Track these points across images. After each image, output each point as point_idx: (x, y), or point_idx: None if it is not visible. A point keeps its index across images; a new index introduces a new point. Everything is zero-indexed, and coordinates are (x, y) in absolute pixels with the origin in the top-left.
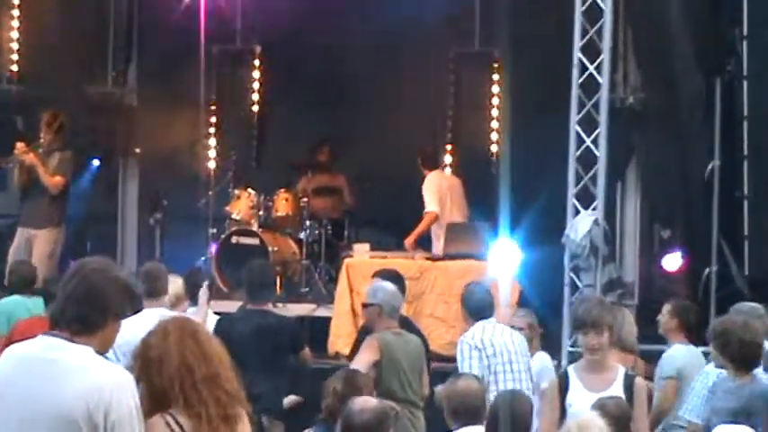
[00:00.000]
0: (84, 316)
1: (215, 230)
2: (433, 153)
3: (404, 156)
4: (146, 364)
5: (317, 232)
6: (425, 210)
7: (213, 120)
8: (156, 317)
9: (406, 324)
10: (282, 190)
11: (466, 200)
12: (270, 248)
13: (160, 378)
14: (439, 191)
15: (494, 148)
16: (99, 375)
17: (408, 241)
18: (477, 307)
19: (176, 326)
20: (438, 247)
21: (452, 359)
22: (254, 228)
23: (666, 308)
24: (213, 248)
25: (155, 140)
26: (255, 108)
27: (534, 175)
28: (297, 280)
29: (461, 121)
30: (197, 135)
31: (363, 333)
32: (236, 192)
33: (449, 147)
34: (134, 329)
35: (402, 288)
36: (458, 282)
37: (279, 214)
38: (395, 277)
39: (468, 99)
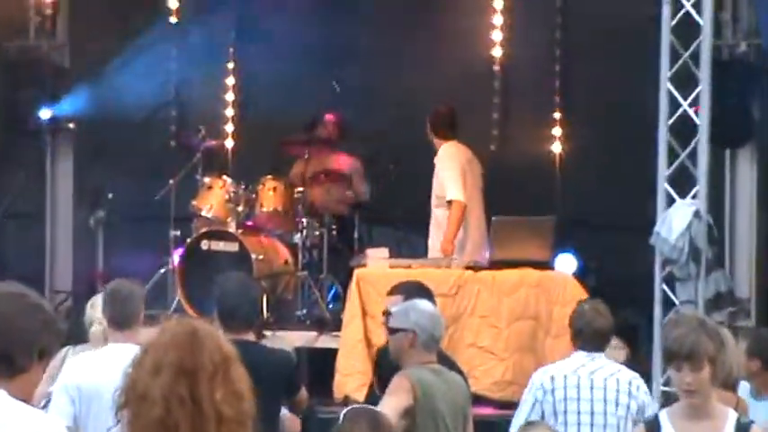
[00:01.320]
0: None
1: (178, 233)
2: (450, 115)
3: None
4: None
5: (316, 234)
6: (447, 197)
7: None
8: (124, 355)
9: (444, 359)
10: (269, 177)
11: (512, 185)
12: (253, 256)
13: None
14: (462, 170)
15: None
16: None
17: (443, 245)
18: (584, 332)
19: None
20: (435, 247)
21: (503, 404)
22: (232, 228)
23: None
24: (176, 257)
25: (94, 111)
26: (230, 64)
27: (609, 152)
28: (290, 299)
29: (511, 82)
30: (154, 103)
31: (385, 369)
32: (207, 180)
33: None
34: (92, 370)
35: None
36: (508, 299)
37: (265, 210)
38: (422, 294)
39: (522, 53)
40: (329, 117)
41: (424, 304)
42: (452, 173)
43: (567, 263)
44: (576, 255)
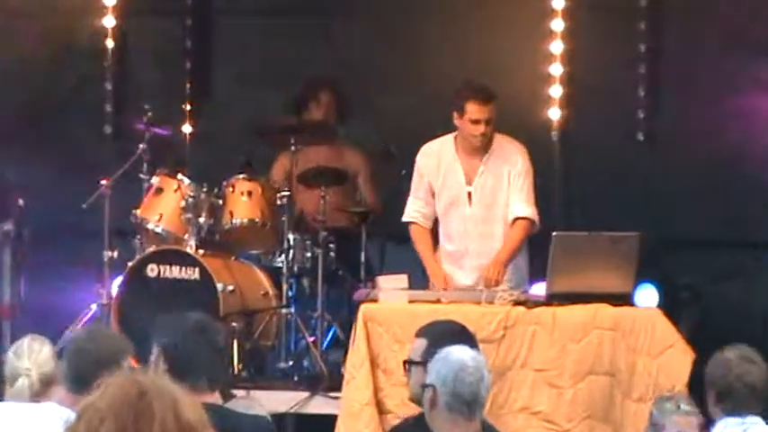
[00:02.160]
0: None
1: (115, 254)
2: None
3: None
4: None
5: (308, 255)
6: (520, 213)
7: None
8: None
9: (487, 429)
10: (242, 177)
11: (578, 192)
12: (220, 287)
13: None
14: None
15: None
16: None
17: (488, 272)
18: (735, 390)
19: None
20: (455, 278)
21: None
22: (190, 248)
23: None
24: (112, 287)
25: None
26: (188, 20)
27: (708, 144)
28: (271, 345)
29: (574, 56)
30: (78, 72)
31: None
32: (156, 180)
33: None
34: None
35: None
36: (574, 347)
37: (236, 222)
38: (459, 338)
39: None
40: (325, 94)
41: (456, 351)
42: (530, 182)
43: (646, 296)
44: (658, 285)
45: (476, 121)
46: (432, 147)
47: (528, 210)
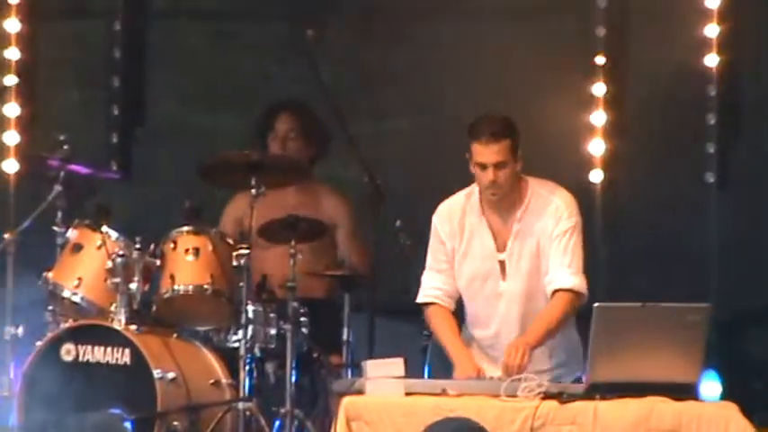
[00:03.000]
0: None
1: (19, 330)
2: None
3: None
4: None
5: (272, 332)
6: (564, 285)
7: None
8: None
9: None
10: (186, 230)
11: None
12: (157, 374)
13: None
14: None
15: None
16: None
17: (508, 358)
18: None
19: None
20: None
21: None
22: (118, 322)
23: None
24: (15, 375)
25: None
26: (117, 24)
27: None
28: None
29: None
30: None
31: None
32: (73, 234)
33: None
34: None
35: None
36: None
37: (179, 289)
38: None
39: None
40: (283, 122)
41: None
42: (577, 242)
43: (709, 386)
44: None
45: (482, 166)
46: (451, 204)
47: (573, 279)
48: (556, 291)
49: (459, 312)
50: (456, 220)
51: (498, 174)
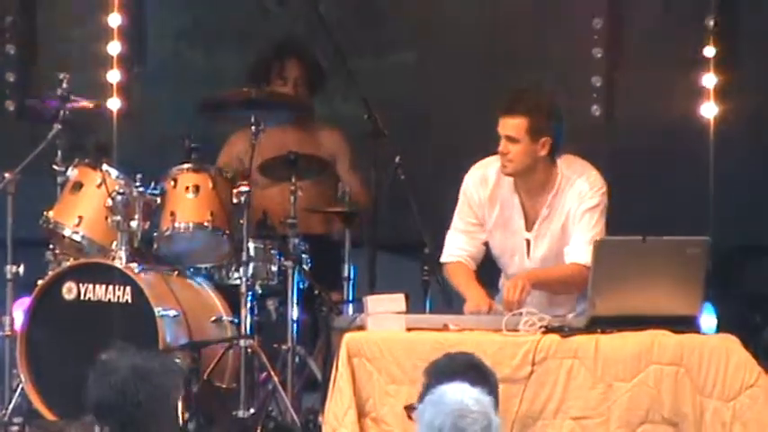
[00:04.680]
0: None
1: (20, 268)
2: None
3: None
4: None
5: (273, 269)
6: (575, 259)
7: None
8: None
9: None
10: (187, 167)
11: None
12: (158, 311)
13: None
14: None
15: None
16: None
17: (508, 293)
18: None
19: None
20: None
21: None
22: (120, 260)
23: None
24: (17, 314)
25: None
26: None
27: None
28: (228, 388)
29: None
30: None
31: None
32: (73, 173)
33: None
34: None
35: (495, 401)
36: (624, 387)
37: (180, 226)
38: (472, 376)
39: None
40: (293, 67)
41: (453, 392)
42: (599, 220)
43: (704, 319)
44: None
45: (499, 135)
46: (486, 173)
47: (589, 257)
48: (572, 263)
49: (479, 275)
50: (488, 191)
51: (508, 147)
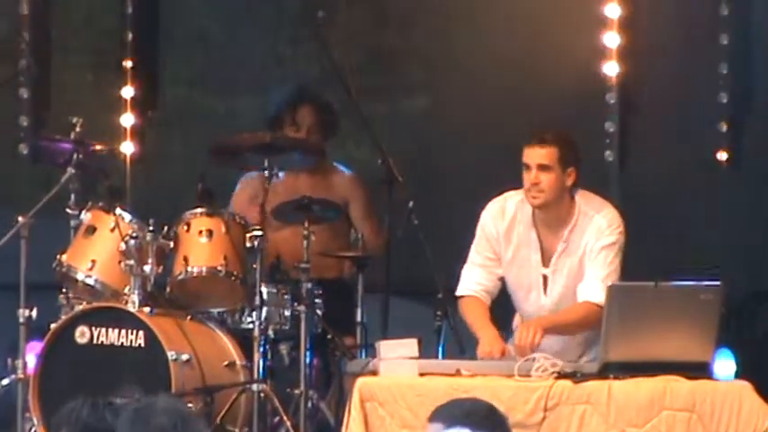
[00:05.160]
0: None
1: (33, 312)
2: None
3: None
4: None
5: (286, 314)
6: (587, 298)
7: None
8: None
9: None
10: (200, 211)
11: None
12: (171, 356)
13: None
14: None
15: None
16: None
17: (520, 339)
18: None
19: None
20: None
21: None
22: (133, 305)
23: None
24: (30, 358)
25: None
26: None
27: None
28: (241, 431)
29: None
30: None
31: None
32: (87, 217)
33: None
34: None
35: None
36: (637, 431)
37: (193, 270)
38: (485, 422)
39: None
40: (307, 114)
41: None
42: (615, 258)
43: (724, 365)
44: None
45: (526, 167)
46: (505, 206)
47: (603, 295)
48: (584, 301)
49: (493, 309)
50: (505, 225)
51: (540, 176)
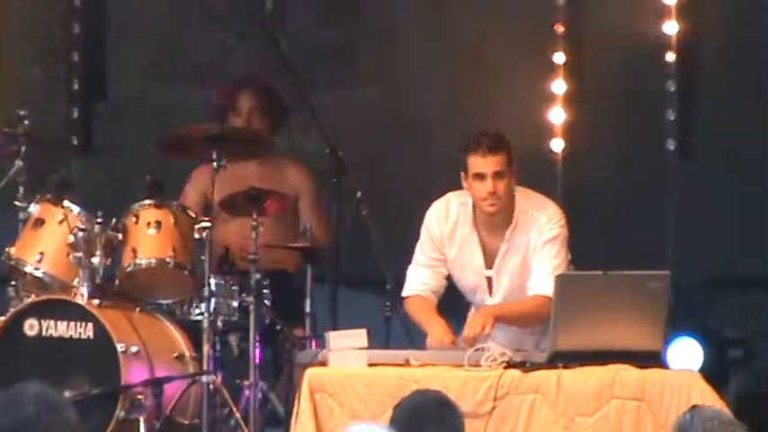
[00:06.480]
0: None
1: None
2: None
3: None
4: None
5: (234, 305)
6: (541, 291)
7: None
8: None
9: None
10: (148, 203)
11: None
12: (120, 348)
13: None
14: None
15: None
16: None
17: (468, 330)
18: None
19: None
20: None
21: None
22: (81, 297)
23: None
24: None
25: None
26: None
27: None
28: (189, 423)
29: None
30: None
31: None
32: (35, 209)
33: None
34: None
35: None
36: (586, 422)
37: (142, 262)
38: (435, 412)
39: None
40: (246, 99)
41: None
42: (560, 251)
43: (686, 354)
44: (702, 340)
45: (479, 177)
46: (449, 209)
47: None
48: (535, 295)
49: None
50: (449, 227)
51: (497, 184)
